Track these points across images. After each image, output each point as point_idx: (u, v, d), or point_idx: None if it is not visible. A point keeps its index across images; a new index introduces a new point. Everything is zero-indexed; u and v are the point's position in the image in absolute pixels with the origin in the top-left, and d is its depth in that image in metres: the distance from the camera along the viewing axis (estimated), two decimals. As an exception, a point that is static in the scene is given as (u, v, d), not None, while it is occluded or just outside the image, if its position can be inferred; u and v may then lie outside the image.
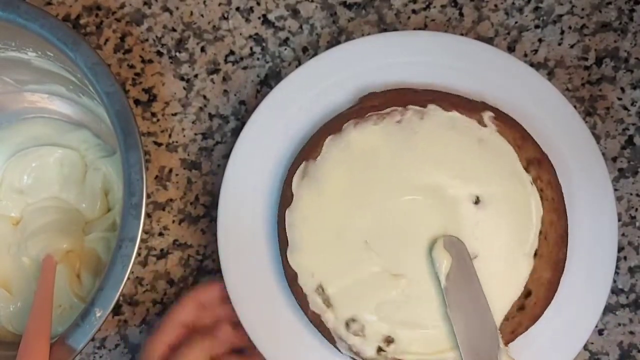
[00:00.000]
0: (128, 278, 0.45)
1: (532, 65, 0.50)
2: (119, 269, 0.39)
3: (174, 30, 0.51)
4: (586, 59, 0.51)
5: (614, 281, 0.48)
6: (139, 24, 0.51)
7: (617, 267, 0.48)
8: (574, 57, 0.51)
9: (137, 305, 0.49)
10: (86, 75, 0.41)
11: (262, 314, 0.45)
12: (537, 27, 0.51)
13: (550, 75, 0.51)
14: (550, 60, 0.51)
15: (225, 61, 0.51)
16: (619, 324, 0.48)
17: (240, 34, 0.51)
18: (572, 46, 0.51)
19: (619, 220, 0.48)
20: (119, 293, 0.39)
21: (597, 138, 0.50)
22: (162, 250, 0.49)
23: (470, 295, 0.42)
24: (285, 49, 0.51)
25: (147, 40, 0.50)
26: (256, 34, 0.51)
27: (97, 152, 0.49)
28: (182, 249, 0.50)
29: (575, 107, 0.48)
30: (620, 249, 0.49)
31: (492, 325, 0.42)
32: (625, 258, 0.49)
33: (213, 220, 0.48)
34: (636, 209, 0.50)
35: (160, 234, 0.50)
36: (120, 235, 0.40)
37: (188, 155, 0.50)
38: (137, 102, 0.50)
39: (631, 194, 0.50)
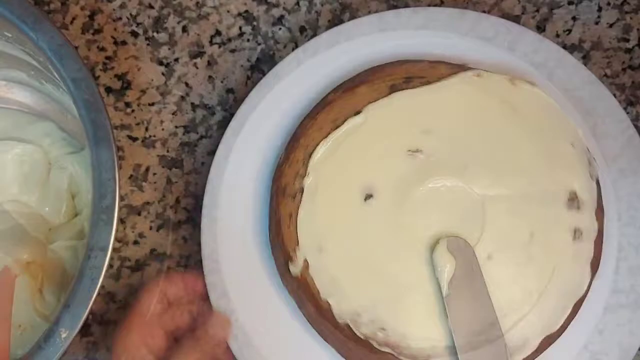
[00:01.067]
0: (98, 293, 0.43)
1: (564, 47, 0.49)
2: (88, 282, 0.38)
3: (151, 7, 0.49)
4: (627, 40, 0.49)
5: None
6: (110, 0, 0.49)
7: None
8: (613, 38, 0.49)
9: (108, 325, 0.47)
10: (49, 59, 0.40)
11: (258, 309, 0.45)
12: (570, 3, 0.49)
13: (586, 59, 0.49)
14: (586, 41, 0.49)
15: (211, 43, 0.49)
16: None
17: (228, 12, 0.49)
18: (611, 25, 0.49)
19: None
20: (87, 311, 0.38)
21: None
22: (137, 261, 0.48)
23: (476, 306, 0.41)
24: (280, 29, 0.49)
25: (120, 18, 0.49)
26: (246, 11, 0.49)
27: (62, 147, 0.48)
28: (161, 259, 0.48)
29: (615, 95, 0.47)
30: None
31: (500, 345, 0.41)
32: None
33: (196, 226, 0.46)
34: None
35: (136, 243, 0.48)
36: (89, 243, 0.39)
37: (167, 151, 0.49)
38: (108, 90, 0.49)
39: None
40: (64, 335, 0.38)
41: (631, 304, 0.47)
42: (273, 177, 0.44)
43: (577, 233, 0.42)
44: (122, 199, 0.47)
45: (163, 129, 0.48)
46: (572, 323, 0.44)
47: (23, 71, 0.47)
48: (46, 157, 0.48)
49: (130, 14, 0.49)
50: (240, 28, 0.49)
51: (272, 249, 0.44)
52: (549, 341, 0.42)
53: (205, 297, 0.44)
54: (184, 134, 0.48)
